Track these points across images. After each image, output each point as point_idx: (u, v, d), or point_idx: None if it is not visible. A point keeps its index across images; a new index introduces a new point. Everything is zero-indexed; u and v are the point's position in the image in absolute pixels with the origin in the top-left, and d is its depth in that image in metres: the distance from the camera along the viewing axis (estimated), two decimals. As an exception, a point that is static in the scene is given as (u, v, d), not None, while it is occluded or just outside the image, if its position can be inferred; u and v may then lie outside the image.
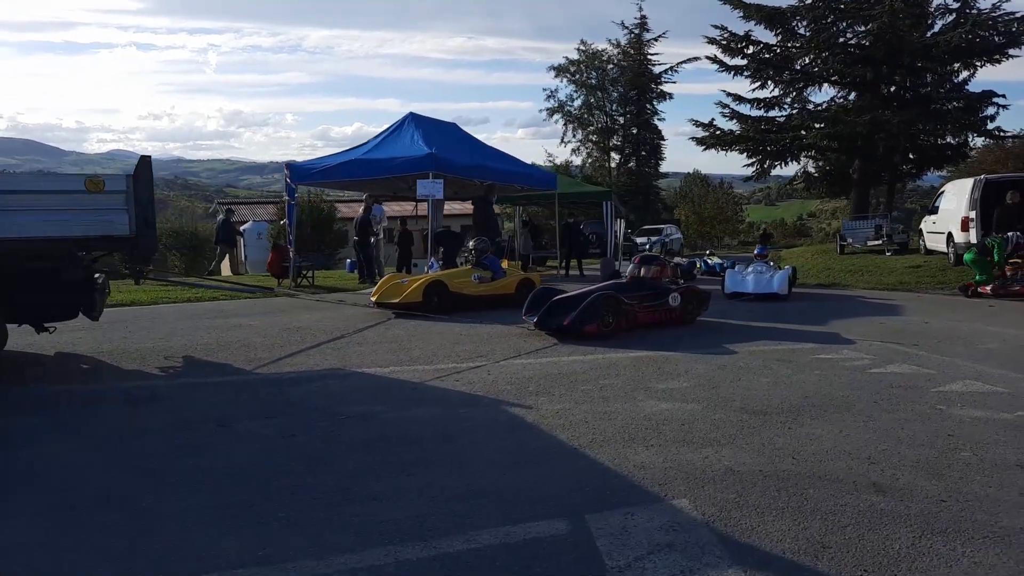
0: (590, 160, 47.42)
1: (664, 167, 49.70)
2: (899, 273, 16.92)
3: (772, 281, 11.78)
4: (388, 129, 13.68)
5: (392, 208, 24.50)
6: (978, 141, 27.23)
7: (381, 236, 14.79)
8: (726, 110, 25.06)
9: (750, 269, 12.58)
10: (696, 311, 8.90)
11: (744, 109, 25.26)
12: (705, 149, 25.28)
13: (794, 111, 24.23)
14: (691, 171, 62.23)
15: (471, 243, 10.28)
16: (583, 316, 7.38)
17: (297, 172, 13.00)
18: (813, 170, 27.97)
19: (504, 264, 10.54)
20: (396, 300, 9.13)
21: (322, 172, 12.86)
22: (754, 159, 24.28)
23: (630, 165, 46.66)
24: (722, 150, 24.79)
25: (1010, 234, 12.55)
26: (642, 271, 8.48)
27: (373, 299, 9.41)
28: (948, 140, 26.08)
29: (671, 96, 46.29)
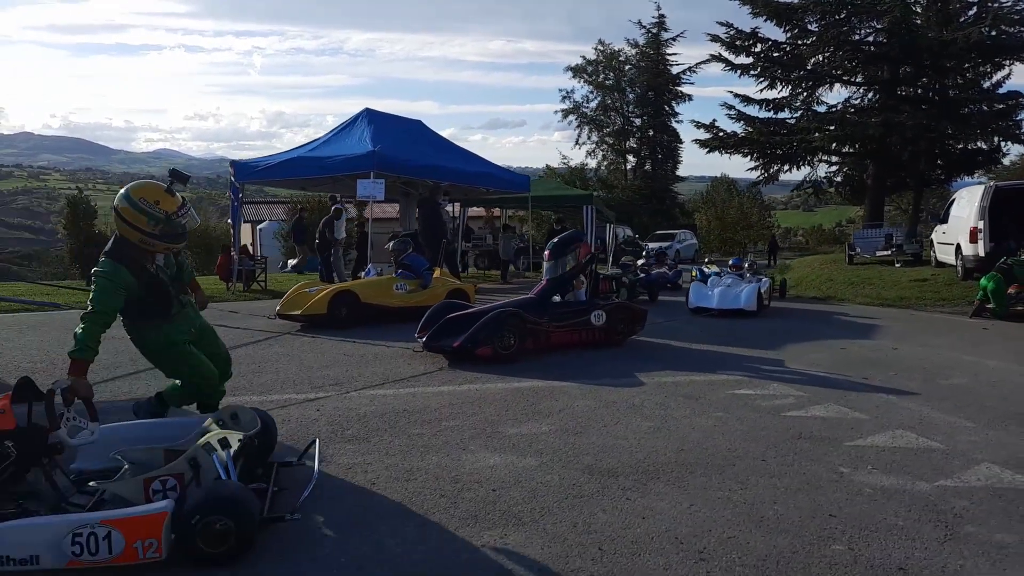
0: (605, 162, 46.33)
1: (692, 170, 48.32)
2: (902, 287, 15.64)
3: (739, 296, 10.69)
4: (339, 126, 12.90)
5: (386, 210, 23.80)
6: (1014, 147, 25.55)
7: (342, 238, 13.99)
8: (732, 111, 23.80)
9: (719, 282, 11.49)
10: (628, 330, 7.90)
11: (752, 111, 24.00)
12: (708, 152, 24.06)
13: (804, 112, 22.85)
14: (719, 174, 60.40)
15: (389, 244, 9.36)
16: (475, 337, 6.45)
17: (241, 170, 12.28)
18: (826, 175, 26.59)
19: (436, 273, 9.61)
20: (298, 312, 8.28)
21: (265, 170, 12.11)
22: (759, 162, 22.97)
23: (646, 168, 45.44)
24: (725, 153, 23.54)
25: None
26: (557, 266, 7.31)
27: (277, 310, 8.58)
28: (979, 145, 24.46)
29: (690, 98, 45.07)
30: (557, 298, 7.65)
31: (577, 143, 45.84)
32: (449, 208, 15.23)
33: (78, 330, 3.39)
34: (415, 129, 13.57)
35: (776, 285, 14.62)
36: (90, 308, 3.44)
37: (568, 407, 5.18)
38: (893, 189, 28.54)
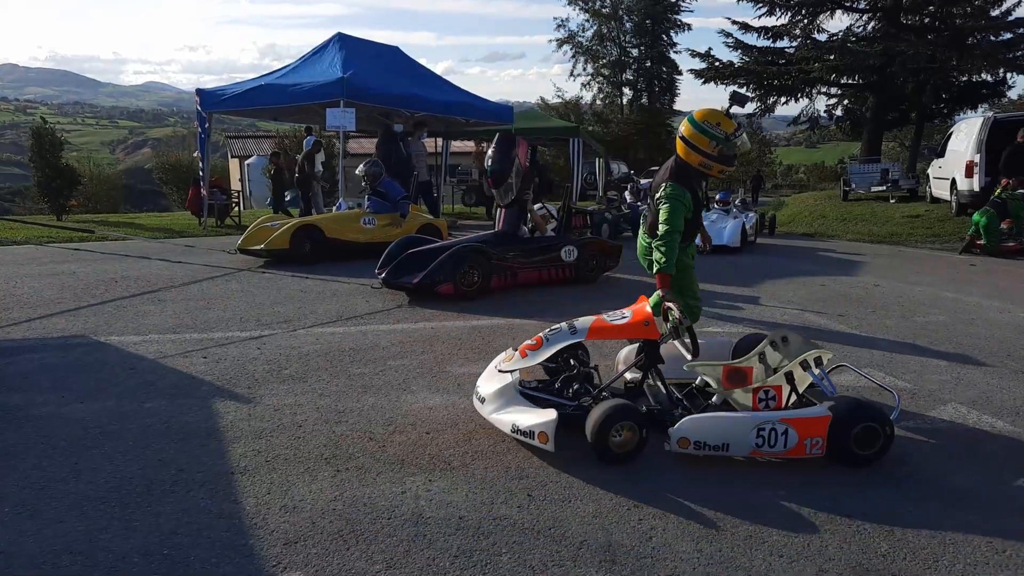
0: (601, 95, 45.05)
1: (693, 105, 47.02)
2: (894, 223, 15.36)
3: (723, 232, 10.39)
4: (310, 51, 12.27)
5: (363, 144, 22.97)
6: (1021, 80, 24.66)
7: (319, 172, 13.49)
8: (729, 39, 22.85)
9: (703, 217, 11.15)
10: (600, 267, 7.63)
11: (750, 39, 23.03)
12: (704, 83, 23.21)
13: (803, 41, 21.92)
14: (719, 109, 58.68)
15: (359, 169, 8.93)
16: (435, 274, 6.18)
17: (207, 99, 11.70)
18: (826, 108, 25.80)
19: (411, 209, 9.23)
20: (260, 246, 7.97)
21: (232, 99, 11.53)
22: (756, 94, 22.21)
23: (642, 101, 44.21)
24: (721, 84, 22.72)
25: None
26: (506, 189, 6.79)
27: (238, 245, 8.26)
28: (985, 77, 23.59)
29: (689, 27, 43.41)
30: (526, 233, 7.35)
31: (572, 75, 44.44)
32: (429, 141, 14.68)
33: (661, 250, 3.68)
34: (391, 56, 12.93)
35: (763, 221, 14.31)
36: (667, 228, 3.69)
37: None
38: (894, 124, 27.76)
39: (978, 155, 13.55)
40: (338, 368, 4.32)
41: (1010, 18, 22.22)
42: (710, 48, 22.73)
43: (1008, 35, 22.32)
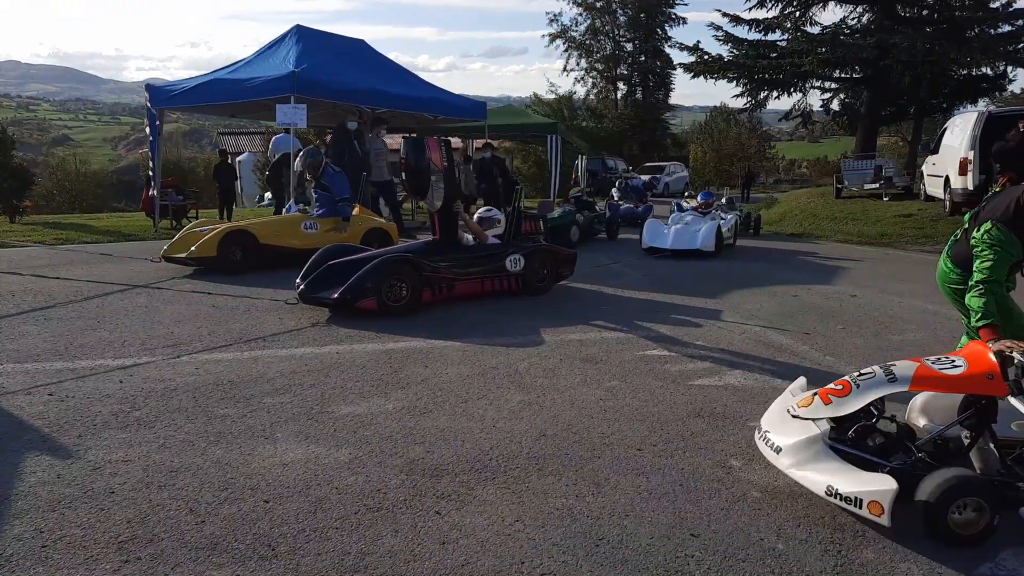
0: (595, 91, 44.36)
1: (694, 100, 46.39)
2: (885, 223, 14.73)
3: (696, 235, 9.76)
4: (266, 45, 11.64)
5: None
6: (1022, 73, 23.95)
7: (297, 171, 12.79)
8: (719, 32, 22.17)
9: (678, 219, 10.54)
10: (553, 277, 7.02)
11: (741, 32, 22.38)
12: (693, 77, 22.55)
13: (794, 34, 21.22)
14: (719, 103, 57.91)
15: (296, 163, 8.25)
16: (355, 288, 5.56)
17: (157, 95, 11.09)
18: (821, 103, 25.16)
19: (355, 211, 8.60)
20: (184, 254, 7.36)
21: (182, 95, 10.91)
22: (746, 88, 21.54)
23: (636, 96, 43.54)
24: (711, 78, 22.04)
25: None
26: (431, 195, 6.17)
27: (162, 252, 7.63)
28: (984, 71, 22.87)
29: (684, 20, 42.74)
30: (471, 240, 6.74)
31: (565, 70, 43.78)
32: (389, 140, 14.03)
33: (979, 300, 3.15)
34: (354, 49, 12.29)
35: (749, 221, 13.70)
36: (984, 278, 3.21)
37: (436, 375, 4.35)
38: (891, 119, 27.09)
39: (972, 152, 12.89)
40: (201, 408, 3.71)
41: (1010, 9, 21.52)
42: (698, 42, 22.08)
43: (1008, 27, 21.66)
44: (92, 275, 7.37)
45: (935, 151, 15.81)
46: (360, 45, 12.69)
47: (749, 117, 42.08)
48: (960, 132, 14.12)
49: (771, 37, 22.09)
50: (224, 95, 10.63)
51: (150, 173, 11.86)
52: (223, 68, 11.54)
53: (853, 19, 22.34)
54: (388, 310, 5.70)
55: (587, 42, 42.97)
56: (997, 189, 10.31)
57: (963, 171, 13.22)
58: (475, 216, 6.80)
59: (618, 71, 43.64)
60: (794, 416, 3.04)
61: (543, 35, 43.36)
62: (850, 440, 2.97)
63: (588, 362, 4.71)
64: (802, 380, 3.48)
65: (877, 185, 18.66)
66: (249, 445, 3.30)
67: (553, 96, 42.37)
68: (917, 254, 11.03)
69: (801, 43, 20.34)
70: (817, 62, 19.99)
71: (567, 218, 10.91)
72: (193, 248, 7.29)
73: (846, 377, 3.06)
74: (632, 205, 14.96)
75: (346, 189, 8.43)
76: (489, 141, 12.20)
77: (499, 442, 3.41)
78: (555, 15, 42.84)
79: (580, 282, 7.72)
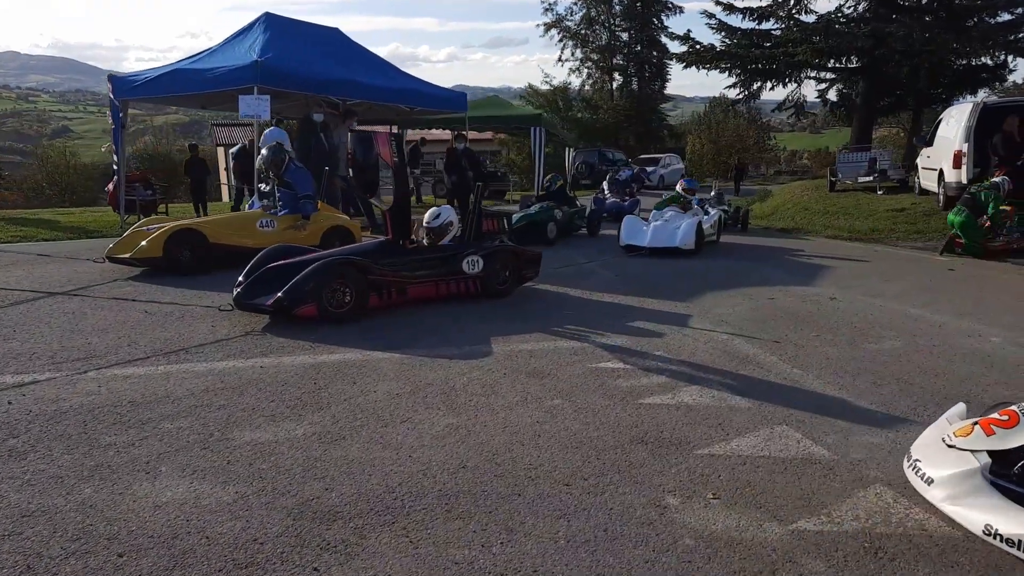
0: (590, 81, 43.87)
1: (696, 91, 45.94)
2: (877, 218, 14.34)
3: (675, 233, 9.37)
4: (234, 33, 11.22)
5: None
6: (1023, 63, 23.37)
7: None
8: (713, 21, 21.67)
9: (658, 215, 10.15)
10: (516, 279, 6.64)
11: (735, 20, 21.90)
12: (685, 67, 22.08)
13: (788, 22, 20.72)
14: (719, 94, 57.14)
15: (258, 159, 7.87)
16: (293, 294, 5.19)
17: (120, 86, 10.69)
18: (817, 93, 24.69)
19: (318, 207, 8.21)
20: (128, 255, 6.97)
21: (144, 86, 10.50)
22: (739, 79, 21.06)
23: (632, 87, 43.02)
24: (703, 68, 21.57)
25: (998, 179, 9.88)
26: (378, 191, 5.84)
27: (106, 252, 7.25)
28: (984, 61, 22.35)
29: (681, 10, 42.20)
30: (425, 240, 6.37)
31: (560, 60, 43.29)
32: (383, 130, 13.65)
33: None
34: (326, 38, 11.86)
35: (737, 216, 13.31)
36: None
37: (362, 394, 3.98)
38: (889, 110, 26.59)
39: (967, 144, 12.48)
40: (87, 435, 3.34)
41: (1009, -3, 21.02)
42: (688, 31, 21.58)
43: (1008, 15, 21.16)
44: (31, 277, 7.00)
45: (929, 143, 15.41)
46: (334, 34, 12.27)
47: (748, 109, 41.54)
48: (955, 123, 13.70)
49: (765, 26, 21.60)
50: (186, 86, 10.24)
51: (115, 167, 11.44)
52: (188, 57, 11.13)
53: (849, 7, 21.84)
54: (330, 317, 5.33)
55: (582, 31, 42.44)
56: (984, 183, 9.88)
57: (957, 164, 12.81)
58: (423, 225, 6.41)
59: (614, 61, 43.12)
60: (950, 446, 2.80)
61: (537, 24, 42.83)
62: (1015, 476, 2.67)
63: (533, 377, 4.35)
64: (960, 407, 3.17)
65: (871, 178, 18.25)
66: (125, 481, 2.93)
67: (548, 87, 41.94)
68: (906, 251, 10.66)
69: (794, 32, 19.85)
70: (811, 51, 19.51)
71: (544, 214, 10.53)
72: (137, 248, 6.90)
73: (1013, 407, 2.84)
74: (618, 199, 14.54)
75: (309, 185, 8.05)
76: (463, 132, 11.74)
77: (411, 476, 3.04)
78: (550, 3, 42.34)
79: (547, 283, 7.35)
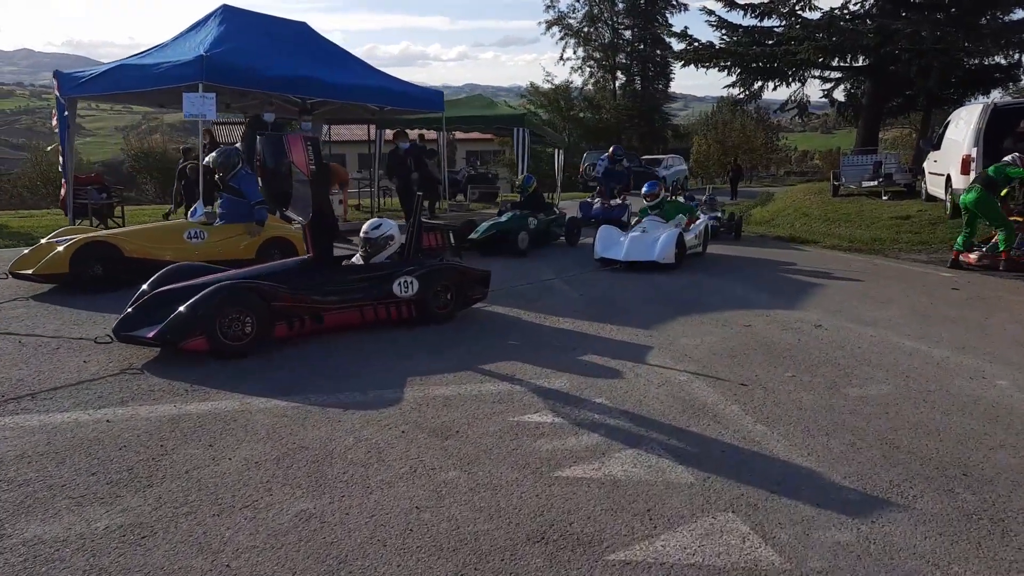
0: (592, 80, 43.04)
1: (707, 91, 45.08)
2: (879, 226, 13.53)
3: (653, 245, 8.58)
4: (188, 27, 10.51)
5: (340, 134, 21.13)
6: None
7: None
8: (712, 18, 20.82)
9: (638, 226, 9.36)
10: (459, 301, 5.88)
11: (735, 17, 21.00)
12: (684, 65, 21.24)
13: (790, 19, 19.83)
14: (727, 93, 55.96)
15: (209, 157, 7.18)
16: (178, 325, 4.45)
17: (66, 83, 9.99)
18: (823, 93, 23.78)
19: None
20: (30, 271, 6.26)
21: (90, 82, 9.80)
22: (739, 78, 20.21)
23: (635, 86, 42.17)
24: (701, 67, 20.71)
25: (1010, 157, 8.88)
26: (293, 202, 5.06)
27: (9, 267, 6.53)
28: (998, 60, 21.39)
29: (685, 7, 41.27)
30: (358, 259, 5.63)
31: (562, 59, 42.47)
32: (360, 130, 12.93)
33: None
34: (289, 33, 11.11)
35: (731, 223, 12.53)
36: None
37: (213, 462, 3.24)
38: (899, 110, 25.62)
39: (975, 148, 11.64)
40: None
41: (1025, -5, 20.06)
42: (686, 28, 20.72)
43: (1022, 13, 20.19)
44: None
45: (937, 146, 14.54)
46: (299, 28, 11.54)
47: (756, 109, 40.37)
48: (964, 126, 12.86)
49: (767, 23, 20.71)
50: (131, 83, 9.55)
51: (62, 167, 10.74)
52: (138, 53, 10.43)
53: (855, 4, 20.93)
54: (226, 351, 4.60)
55: (585, 29, 41.60)
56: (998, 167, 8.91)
57: (965, 169, 11.96)
58: (361, 234, 5.68)
59: (616, 60, 42.27)
60: None
61: (539, 22, 42.04)
62: None
63: (437, 436, 3.59)
64: None
65: (876, 183, 17.40)
66: None
67: (549, 86, 41.20)
68: (908, 264, 9.83)
69: (796, 29, 18.98)
70: (813, 49, 18.62)
71: (515, 222, 9.76)
72: (41, 263, 6.19)
73: None
74: (607, 203, 13.75)
75: (256, 192, 7.35)
76: (404, 130, 10.78)
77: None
78: (552, 1, 41.51)
79: (501, 303, 6.60)
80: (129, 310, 4.74)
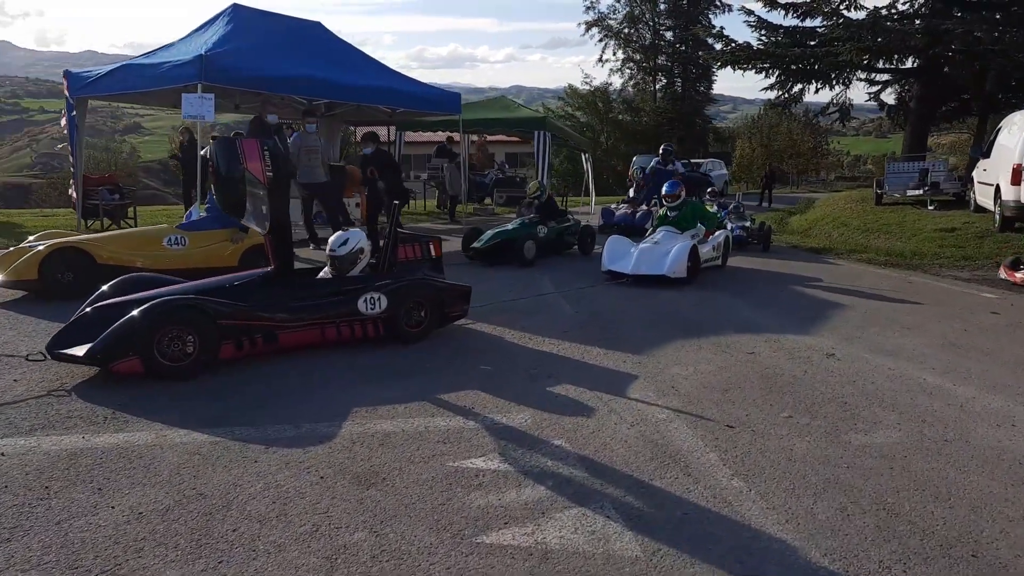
0: (632, 82, 42.25)
1: (728, 92, 43.97)
2: (922, 238, 12.68)
3: (664, 258, 8.02)
4: (198, 26, 10.34)
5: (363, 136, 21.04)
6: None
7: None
8: (751, 18, 20.01)
9: (652, 236, 8.81)
10: (435, 319, 5.46)
11: (776, 17, 20.14)
12: (720, 67, 20.53)
13: (833, 18, 18.87)
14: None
15: (204, 150, 6.95)
16: (110, 344, 4.13)
17: (75, 83, 9.91)
18: (869, 96, 22.70)
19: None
20: (1, 276, 6.06)
21: (95, 83, 9.66)
22: (777, 80, 19.35)
23: (676, 88, 41.25)
24: (739, 69, 19.89)
25: None
26: (251, 211, 4.68)
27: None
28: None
29: (729, 8, 40.18)
30: (330, 270, 5.27)
31: (600, 60, 41.76)
32: (380, 131, 12.64)
33: None
34: (300, 33, 10.83)
35: (760, 233, 11.84)
36: None
37: (92, 511, 2.87)
38: (953, 115, 24.29)
39: (1027, 157, 10.76)
40: None
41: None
42: (722, 27, 19.96)
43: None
44: None
45: (987, 154, 13.58)
46: (312, 28, 11.29)
47: (804, 112, 38.80)
48: (1017, 132, 11.94)
49: (809, 23, 19.80)
50: (134, 83, 9.40)
51: (72, 167, 10.69)
52: (145, 53, 10.30)
53: (904, 3, 19.87)
54: (163, 373, 4.26)
55: (625, 31, 40.86)
56: None
57: (1016, 180, 11.10)
58: (327, 252, 5.31)
59: (657, 62, 41.41)
60: None
61: (579, 23, 41.47)
62: None
63: (360, 483, 3.17)
64: None
65: (921, 191, 16.43)
66: None
67: (588, 88, 40.62)
68: (948, 284, 9.05)
69: (839, 30, 18.04)
70: (856, 50, 17.66)
71: (522, 231, 9.30)
72: (9, 269, 5.99)
73: None
74: (627, 211, 13.21)
75: None
76: (374, 132, 10.30)
77: None
78: (592, 1, 40.87)
79: (488, 319, 6.16)
80: (64, 326, 4.44)
